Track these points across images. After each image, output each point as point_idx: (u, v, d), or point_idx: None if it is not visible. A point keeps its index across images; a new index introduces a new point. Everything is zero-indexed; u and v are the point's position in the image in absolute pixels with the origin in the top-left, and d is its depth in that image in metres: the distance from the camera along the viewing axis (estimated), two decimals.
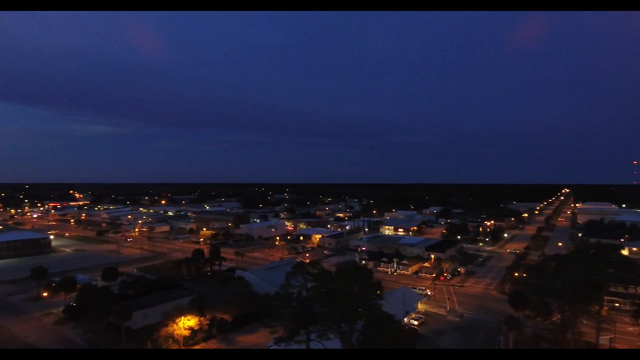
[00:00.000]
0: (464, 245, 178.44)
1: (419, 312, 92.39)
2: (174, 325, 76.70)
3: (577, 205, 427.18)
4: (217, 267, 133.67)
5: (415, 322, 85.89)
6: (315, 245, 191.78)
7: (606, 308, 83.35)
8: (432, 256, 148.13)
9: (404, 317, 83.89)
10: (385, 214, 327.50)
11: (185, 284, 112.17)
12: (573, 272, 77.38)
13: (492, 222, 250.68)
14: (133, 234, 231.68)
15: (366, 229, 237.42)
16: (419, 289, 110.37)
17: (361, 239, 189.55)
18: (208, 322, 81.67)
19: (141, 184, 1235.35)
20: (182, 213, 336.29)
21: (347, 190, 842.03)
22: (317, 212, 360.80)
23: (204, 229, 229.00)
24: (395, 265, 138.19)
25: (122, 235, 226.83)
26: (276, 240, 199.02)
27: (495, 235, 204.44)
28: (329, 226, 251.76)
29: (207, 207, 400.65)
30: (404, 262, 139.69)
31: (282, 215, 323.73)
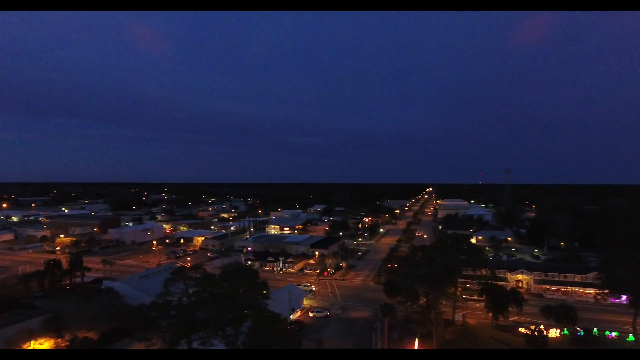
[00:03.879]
0: (345, 240, 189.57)
1: (317, 307, 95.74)
2: None
3: (438, 201, 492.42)
4: (78, 280, 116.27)
5: (311, 315, 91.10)
6: (197, 248, 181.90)
7: (460, 289, 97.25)
8: (317, 253, 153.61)
9: (290, 315, 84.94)
10: (271, 213, 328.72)
11: (36, 302, 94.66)
12: (435, 260, 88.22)
13: (370, 218, 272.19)
14: None
15: (252, 229, 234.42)
16: (305, 285, 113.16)
17: (247, 239, 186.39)
18: (67, 343, 70.22)
19: None
20: (31, 218, 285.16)
21: (231, 189, 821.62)
22: (200, 213, 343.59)
23: (62, 236, 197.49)
24: (281, 264, 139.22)
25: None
26: (153, 244, 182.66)
27: (372, 231, 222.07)
28: (212, 227, 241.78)
29: (66, 211, 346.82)
30: (290, 260, 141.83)
31: (159, 218, 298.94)
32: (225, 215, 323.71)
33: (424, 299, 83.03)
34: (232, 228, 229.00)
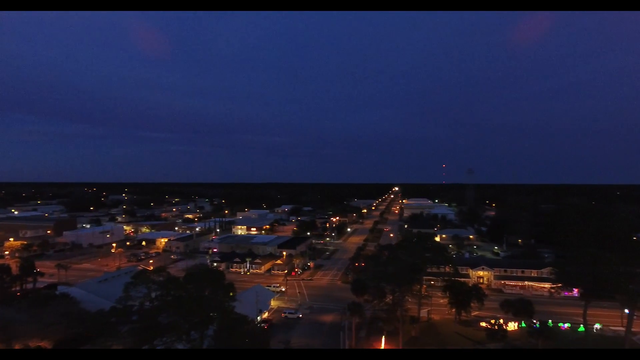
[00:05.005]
0: (313, 240, 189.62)
1: (289, 309, 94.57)
2: None
3: (404, 201, 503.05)
4: (30, 285, 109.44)
5: (283, 315, 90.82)
6: (160, 250, 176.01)
7: (425, 286, 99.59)
8: (284, 253, 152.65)
9: (258, 316, 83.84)
10: (238, 213, 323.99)
11: None
12: (401, 258, 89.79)
13: (337, 218, 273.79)
14: None
15: (218, 230, 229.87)
16: (274, 286, 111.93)
17: (212, 240, 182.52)
18: None
19: None
20: None
21: (197, 189, 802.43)
22: (163, 214, 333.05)
23: (11, 239, 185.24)
24: (248, 265, 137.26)
25: None
26: (112, 247, 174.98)
27: (340, 230, 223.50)
28: (176, 228, 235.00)
29: (15, 212, 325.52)
30: (257, 260, 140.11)
31: (119, 219, 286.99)
32: (190, 216, 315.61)
33: (391, 297, 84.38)
34: (197, 229, 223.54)
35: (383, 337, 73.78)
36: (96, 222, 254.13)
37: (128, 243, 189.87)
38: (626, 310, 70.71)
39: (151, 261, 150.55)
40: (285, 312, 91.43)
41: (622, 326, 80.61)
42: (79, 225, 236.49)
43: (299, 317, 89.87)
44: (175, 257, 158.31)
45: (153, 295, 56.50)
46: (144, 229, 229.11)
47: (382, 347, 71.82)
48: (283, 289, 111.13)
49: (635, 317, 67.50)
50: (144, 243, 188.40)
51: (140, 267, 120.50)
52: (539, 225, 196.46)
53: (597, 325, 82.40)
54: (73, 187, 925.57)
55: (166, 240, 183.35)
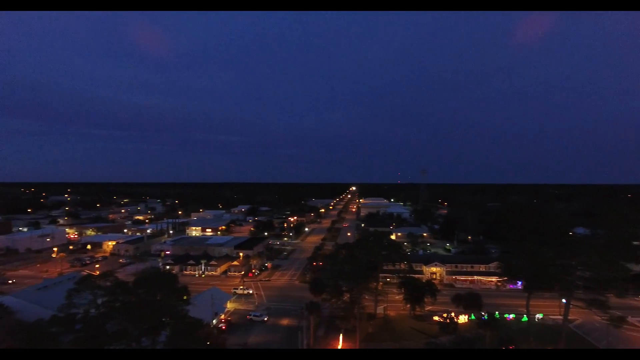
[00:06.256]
0: (271, 241, 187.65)
1: (254, 311, 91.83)
2: None
3: (361, 200, 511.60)
4: None
5: (248, 317, 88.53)
6: (107, 254, 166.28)
7: (381, 283, 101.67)
8: (241, 254, 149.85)
9: (213, 319, 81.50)
10: (192, 214, 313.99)
11: None
12: (358, 256, 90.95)
13: (295, 217, 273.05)
14: None
15: (171, 232, 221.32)
16: (241, 289, 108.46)
17: (165, 242, 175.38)
18: None
19: None
20: None
21: (148, 190, 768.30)
22: (111, 216, 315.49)
23: None
24: (203, 267, 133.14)
25: None
26: (53, 252, 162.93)
27: (298, 230, 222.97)
28: (125, 231, 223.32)
29: None
30: (213, 262, 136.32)
31: (61, 221, 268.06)
32: (141, 218, 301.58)
33: (348, 295, 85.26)
34: (148, 231, 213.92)
35: (341, 334, 74.34)
36: (35, 225, 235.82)
37: (71, 247, 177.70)
38: (563, 300, 76.07)
39: (97, 266, 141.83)
40: (250, 315, 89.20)
41: (560, 315, 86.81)
42: (14, 229, 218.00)
43: (264, 320, 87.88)
44: (124, 261, 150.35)
45: (99, 301, 53.19)
46: (89, 232, 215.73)
47: (340, 344, 72.34)
48: (251, 292, 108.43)
49: (571, 306, 72.76)
50: (89, 247, 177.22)
51: (84, 273, 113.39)
52: (486, 222, 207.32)
53: (539, 315, 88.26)
54: (7, 187, 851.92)
55: (114, 243, 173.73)
